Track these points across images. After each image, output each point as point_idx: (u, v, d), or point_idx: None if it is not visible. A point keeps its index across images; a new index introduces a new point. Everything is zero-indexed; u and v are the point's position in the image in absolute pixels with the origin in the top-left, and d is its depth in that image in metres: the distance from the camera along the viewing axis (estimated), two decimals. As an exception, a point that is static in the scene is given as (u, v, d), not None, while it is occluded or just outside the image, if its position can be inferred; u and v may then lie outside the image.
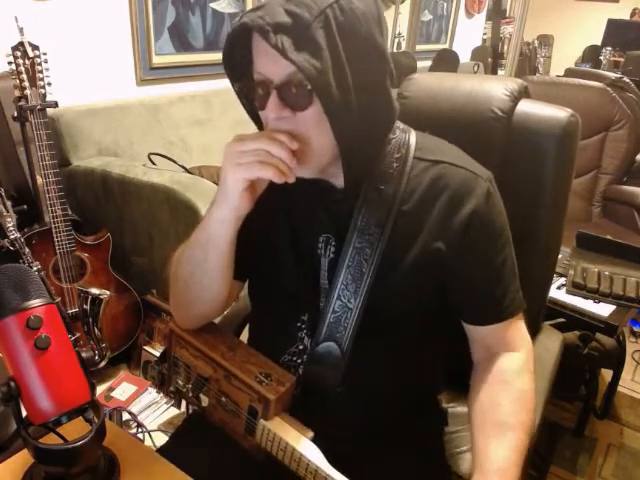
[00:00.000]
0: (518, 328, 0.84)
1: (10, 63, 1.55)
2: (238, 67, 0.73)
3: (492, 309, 0.82)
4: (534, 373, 0.83)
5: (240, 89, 0.75)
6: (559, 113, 1.00)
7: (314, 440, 0.75)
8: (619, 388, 2.02)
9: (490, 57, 4.38)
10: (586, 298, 1.57)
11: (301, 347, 0.84)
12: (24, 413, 0.61)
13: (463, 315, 0.85)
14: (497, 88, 1.02)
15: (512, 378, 0.80)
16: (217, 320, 0.95)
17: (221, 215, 0.74)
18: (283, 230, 0.84)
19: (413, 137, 0.81)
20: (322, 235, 0.81)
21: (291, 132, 0.69)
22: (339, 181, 0.77)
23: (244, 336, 1.03)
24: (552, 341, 1.09)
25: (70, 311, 1.72)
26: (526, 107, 1.02)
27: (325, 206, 0.81)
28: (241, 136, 0.71)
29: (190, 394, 0.88)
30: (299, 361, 0.84)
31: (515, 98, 1.02)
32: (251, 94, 0.73)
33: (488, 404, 0.79)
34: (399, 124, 0.82)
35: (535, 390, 0.82)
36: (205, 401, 0.86)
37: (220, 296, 0.85)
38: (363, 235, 0.77)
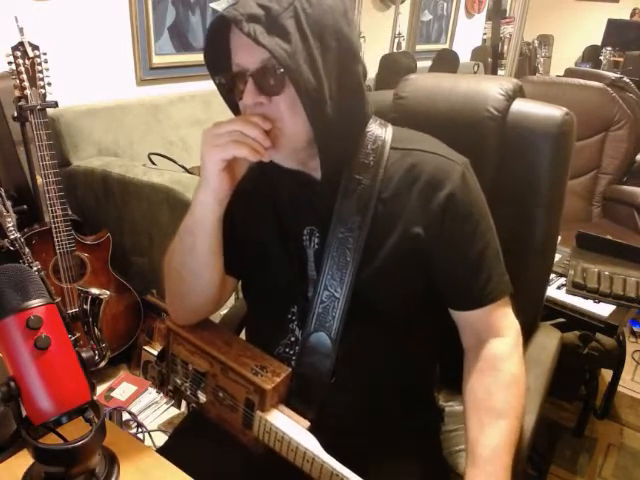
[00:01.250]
0: (505, 313, 0.85)
1: (10, 63, 1.55)
2: (218, 63, 0.77)
3: (476, 293, 0.82)
4: (523, 357, 0.84)
5: (221, 82, 0.77)
6: (554, 112, 1.00)
7: (310, 431, 0.76)
8: (619, 388, 2.02)
9: (490, 57, 4.38)
10: (586, 298, 1.57)
11: (292, 339, 0.86)
12: (24, 413, 0.61)
13: (448, 301, 0.85)
14: (492, 88, 1.02)
15: (502, 364, 0.81)
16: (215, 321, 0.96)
17: (204, 198, 0.78)
18: (270, 225, 0.86)
19: (390, 130, 0.84)
20: (306, 227, 0.83)
21: (265, 115, 0.72)
22: (319, 174, 0.80)
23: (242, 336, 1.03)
24: (550, 339, 1.09)
25: (70, 311, 1.72)
26: (521, 106, 1.03)
27: (307, 199, 0.83)
28: (218, 122, 0.74)
29: (188, 392, 0.89)
30: (292, 352, 0.85)
31: (510, 97, 1.02)
32: (231, 87, 0.75)
33: (480, 392, 0.80)
34: (376, 119, 0.84)
35: (525, 372, 0.83)
36: (203, 398, 0.87)
37: (212, 286, 0.86)
38: (345, 225, 0.79)
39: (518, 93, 1.04)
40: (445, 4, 4.39)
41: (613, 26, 6.15)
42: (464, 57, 4.52)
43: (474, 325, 0.85)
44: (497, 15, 4.16)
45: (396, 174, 0.80)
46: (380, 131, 0.83)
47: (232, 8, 0.69)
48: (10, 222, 1.49)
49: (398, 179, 0.80)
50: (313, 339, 0.82)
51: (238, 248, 0.87)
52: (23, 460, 0.69)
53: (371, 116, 0.83)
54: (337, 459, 0.72)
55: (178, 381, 0.90)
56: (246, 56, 0.72)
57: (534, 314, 1.11)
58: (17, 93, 1.58)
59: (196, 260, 0.83)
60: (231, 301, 1.43)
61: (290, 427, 0.76)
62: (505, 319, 0.85)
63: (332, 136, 0.74)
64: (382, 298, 0.82)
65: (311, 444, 0.73)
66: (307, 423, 0.77)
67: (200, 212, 0.79)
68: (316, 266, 0.83)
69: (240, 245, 0.87)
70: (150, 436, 1.63)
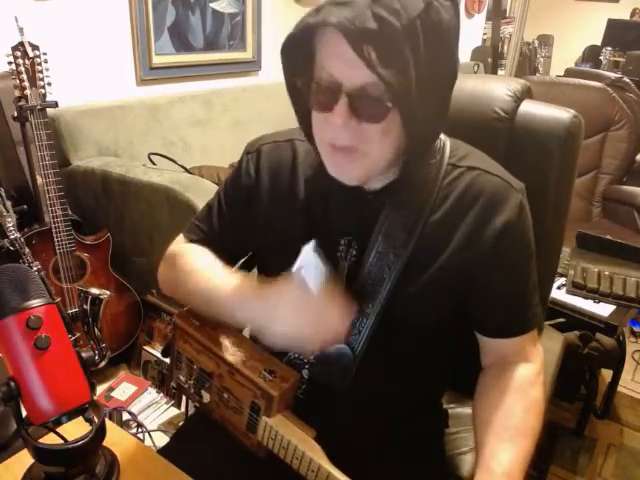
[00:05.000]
0: (534, 339, 0.84)
1: (10, 63, 1.55)
2: (298, 61, 0.69)
3: (514, 323, 0.81)
4: (544, 384, 0.83)
5: (299, 85, 0.70)
6: (562, 114, 1.00)
7: (316, 440, 0.74)
8: (619, 388, 2.03)
9: (490, 57, 4.37)
10: (586, 298, 1.58)
11: None
12: (24, 413, 0.61)
13: (482, 328, 0.83)
14: (500, 88, 1.02)
15: (527, 387, 0.80)
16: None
17: (241, 321, 0.76)
18: (300, 230, 0.82)
19: (448, 143, 0.80)
20: (344, 238, 0.80)
21: (352, 137, 0.67)
22: (370, 184, 0.77)
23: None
24: (553, 342, 1.09)
25: (70, 311, 1.72)
26: (529, 108, 1.02)
27: (350, 208, 0.79)
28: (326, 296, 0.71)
29: (192, 390, 0.87)
30: (305, 360, 0.84)
31: (518, 99, 1.01)
32: (308, 92, 0.69)
33: (501, 409, 0.77)
34: None
35: (545, 399, 0.81)
36: (206, 397, 0.85)
37: None
38: (388, 240, 0.76)
39: (526, 94, 1.04)
40: (445, 4, 4.38)
41: (613, 26, 6.14)
42: (464, 57, 4.51)
43: (503, 349, 0.83)
44: (497, 15, 4.15)
45: (451, 194, 0.76)
46: (438, 143, 0.79)
47: (345, 18, 0.58)
48: (10, 222, 1.48)
49: (453, 199, 0.76)
50: (333, 350, 0.79)
51: (258, 245, 0.86)
52: (23, 460, 0.69)
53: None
54: (340, 466, 0.71)
55: (182, 378, 0.89)
56: (346, 71, 0.63)
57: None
58: (17, 93, 1.57)
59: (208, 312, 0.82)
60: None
61: (296, 435, 0.74)
62: (533, 345, 0.83)
63: (418, 159, 0.72)
64: (415, 318, 0.79)
65: (317, 453, 0.72)
66: (313, 432, 0.75)
67: (226, 317, 0.78)
68: (347, 279, 0.79)
69: (261, 244, 0.86)
70: (150, 436, 1.63)
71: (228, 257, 0.87)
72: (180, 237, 0.95)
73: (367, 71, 0.60)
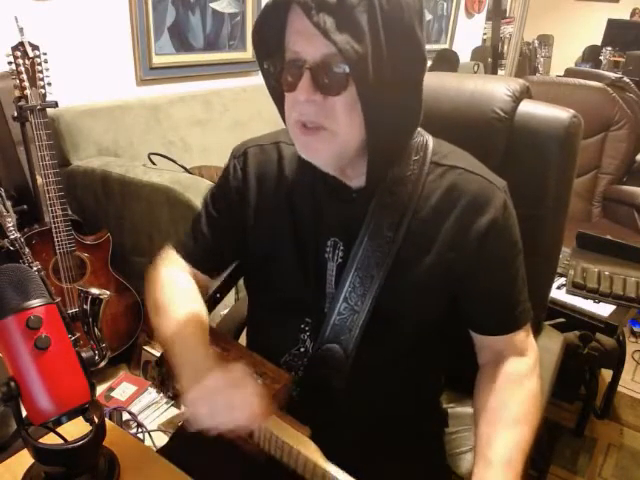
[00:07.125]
0: (526, 335, 0.84)
1: (10, 63, 1.55)
2: (268, 44, 0.70)
3: (504, 320, 0.82)
4: (539, 377, 0.83)
5: (269, 67, 0.71)
6: (561, 114, 1.00)
7: (313, 438, 0.74)
8: (619, 388, 2.03)
9: (490, 57, 4.37)
10: (586, 298, 1.57)
11: (302, 349, 0.83)
12: (24, 413, 0.61)
13: (474, 326, 0.84)
14: (499, 88, 1.02)
15: (522, 380, 0.80)
16: (215, 323, 0.95)
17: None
18: (288, 232, 0.82)
19: (431, 141, 0.80)
20: (330, 239, 0.80)
21: (317, 114, 0.67)
22: (354, 182, 0.77)
23: (244, 336, 1.02)
24: (553, 342, 1.09)
25: (70, 311, 1.72)
26: (528, 107, 1.02)
27: (335, 208, 0.79)
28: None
29: None
30: (300, 362, 0.84)
31: (517, 98, 1.01)
32: (279, 75, 0.70)
33: (497, 403, 0.78)
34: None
35: (541, 392, 0.82)
36: None
37: None
38: (375, 238, 0.76)
39: (525, 94, 1.04)
40: (445, 4, 4.39)
41: (613, 26, 6.15)
42: (464, 57, 4.51)
43: (496, 346, 0.84)
44: (497, 15, 4.15)
45: (435, 192, 0.77)
46: (421, 141, 0.79)
47: None
48: (10, 222, 1.49)
49: (437, 198, 0.76)
50: (325, 351, 0.79)
51: (238, 251, 0.86)
52: (23, 460, 0.69)
53: (420, 122, 0.77)
54: (337, 461, 0.71)
55: (177, 386, 0.89)
56: (306, 45, 0.65)
57: (538, 316, 1.10)
58: (17, 93, 1.58)
59: None
60: (231, 301, 1.43)
61: (290, 435, 0.74)
62: (526, 341, 0.84)
63: (385, 144, 0.71)
64: (405, 316, 0.79)
65: (312, 452, 0.71)
66: (308, 431, 0.74)
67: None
68: (336, 279, 0.80)
69: (245, 250, 0.85)
70: (150, 436, 1.63)
71: (211, 268, 0.90)
72: (168, 251, 0.93)
73: (325, 41, 0.61)
